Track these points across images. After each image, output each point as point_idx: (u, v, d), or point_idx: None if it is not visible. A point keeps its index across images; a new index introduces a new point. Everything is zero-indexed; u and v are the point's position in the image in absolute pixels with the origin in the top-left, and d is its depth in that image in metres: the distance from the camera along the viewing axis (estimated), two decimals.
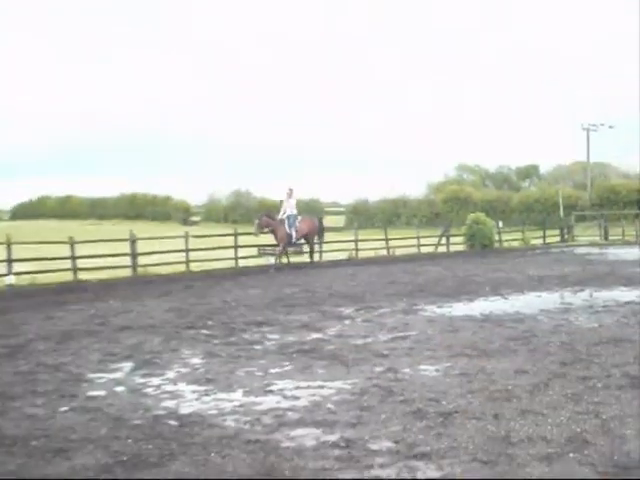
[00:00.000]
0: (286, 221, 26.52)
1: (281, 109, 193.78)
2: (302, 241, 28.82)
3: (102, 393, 8.84)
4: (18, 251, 23.31)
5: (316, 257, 30.19)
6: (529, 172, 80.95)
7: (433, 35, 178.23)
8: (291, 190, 27.67)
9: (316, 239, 28.70)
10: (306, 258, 29.29)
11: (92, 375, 9.91)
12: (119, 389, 9.10)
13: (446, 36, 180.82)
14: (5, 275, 21.42)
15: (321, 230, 28.92)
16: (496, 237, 39.04)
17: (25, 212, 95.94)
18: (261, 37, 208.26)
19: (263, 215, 27.56)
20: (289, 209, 27.09)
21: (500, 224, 40.19)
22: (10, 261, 21.69)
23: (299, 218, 27.26)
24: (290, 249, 29.44)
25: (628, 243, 41.68)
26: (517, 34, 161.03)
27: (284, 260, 27.13)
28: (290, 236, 26.50)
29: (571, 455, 6.11)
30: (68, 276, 23.20)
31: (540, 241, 42.99)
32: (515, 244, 40.73)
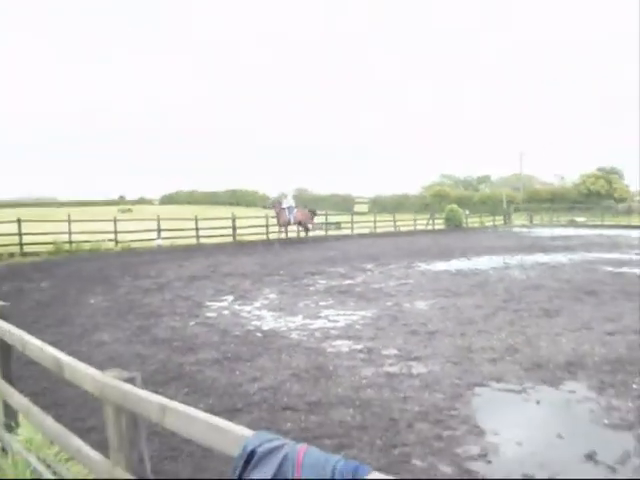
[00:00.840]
0: (287, 210, 32.13)
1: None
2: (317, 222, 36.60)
3: (214, 314, 11.79)
4: (164, 224, 30.67)
5: (348, 231, 39.11)
6: (484, 179, 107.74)
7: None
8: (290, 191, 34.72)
9: (310, 225, 34.20)
10: (333, 232, 38.06)
11: (208, 303, 13.04)
12: (225, 312, 12.04)
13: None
14: (156, 239, 29.39)
15: (311, 218, 34.31)
16: (464, 220, 50.07)
17: (168, 200, 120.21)
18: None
19: (275, 202, 33.77)
20: (287, 202, 32.63)
21: (467, 212, 51.79)
22: (159, 230, 30.02)
23: (295, 210, 32.50)
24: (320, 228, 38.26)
25: (543, 226, 52.28)
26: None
27: (282, 236, 32.37)
28: (288, 221, 32.14)
29: (507, 358, 8.38)
30: (193, 241, 30.73)
31: (491, 224, 54.21)
32: (476, 225, 51.09)
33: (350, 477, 1.74)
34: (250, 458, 1.91)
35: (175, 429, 2.40)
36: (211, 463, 4.96)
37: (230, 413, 6.21)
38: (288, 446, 1.88)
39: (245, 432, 2.02)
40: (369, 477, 1.75)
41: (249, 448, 1.92)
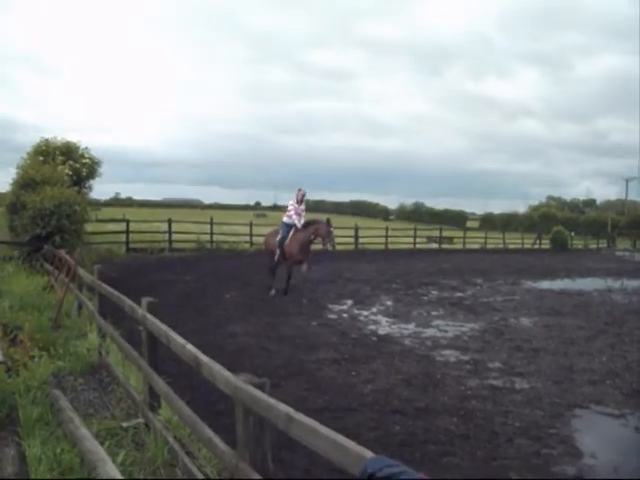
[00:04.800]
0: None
1: None
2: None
3: (335, 317, 11.81)
4: None
5: (460, 246, 38.34)
6: (590, 202, 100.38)
7: None
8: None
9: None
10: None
11: (330, 305, 13.07)
12: (345, 315, 12.06)
13: None
14: None
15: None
16: (569, 242, 46.53)
17: None
18: None
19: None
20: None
21: (572, 234, 48.25)
22: None
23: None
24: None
25: None
26: None
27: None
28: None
29: (608, 382, 7.87)
30: (320, 247, 30.04)
31: (595, 246, 50.76)
32: (580, 247, 48.01)
33: None
34: None
35: (299, 439, 2.41)
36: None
37: (344, 411, 6.23)
38: (407, 474, 1.82)
39: (366, 453, 1.98)
40: None
41: (369, 471, 1.87)
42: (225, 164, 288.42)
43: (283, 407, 2.58)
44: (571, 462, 5.25)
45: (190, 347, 3.79)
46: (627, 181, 75.37)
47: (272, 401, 2.68)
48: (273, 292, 14.02)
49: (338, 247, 30.17)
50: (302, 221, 14.16)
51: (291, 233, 14.01)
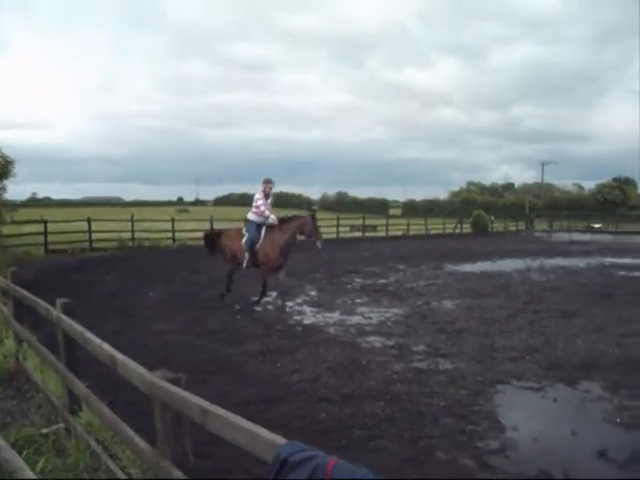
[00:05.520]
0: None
1: None
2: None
3: (260, 309, 11.78)
4: (217, 224, 28.77)
5: (383, 234, 38.00)
6: (509, 187, 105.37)
7: None
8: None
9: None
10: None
11: (255, 298, 12.40)
12: (269, 307, 12.04)
13: None
14: None
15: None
16: (490, 225, 48.55)
17: (222, 201, 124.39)
18: None
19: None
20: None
21: (492, 217, 50.15)
22: (212, 230, 28.27)
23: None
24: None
25: (562, 231, 49.47)
26: None
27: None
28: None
29: (527, 357, 8.19)
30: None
31: (514, 229, 52.35)
32: (500, 230, 49.49)
33: None
34: (283, 466, 1.87)
35: (215, 431, 2.39)
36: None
37: (270, 403, 6.22)
38: (319, 457, 1.83)
39: (279, 440, 1.98)
40: None
41: (282, 456, 1.87)
42: (146, 160, 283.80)
43: (197, 400, 2.56)
44: (495, 436, 5.43)
45: (106, 346, 3.70)
46: (543, 165, 78.93)
47: (187, 395, 2.65)
48: (226, 298, 12.33)
49: None
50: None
51: (263, 233, 11.89)
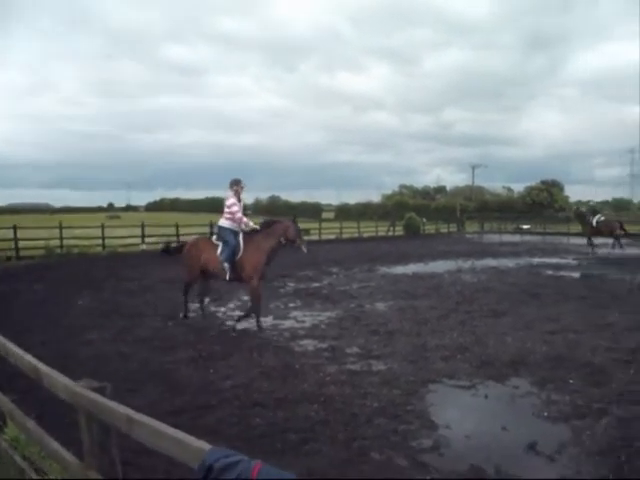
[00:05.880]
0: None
1: None
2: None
3: (193, 315, 11.55)
4: (148, 230, 29.74)
5: (316, 237, 37.29)
6: (440, 189, 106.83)
7: None
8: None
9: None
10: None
11: (187, 304, 12.04)
12: (202, 312, 11.63)
13: None
14: (140, 244, 28.53)
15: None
16: (421, 227, 48.14)
17: (153, 207, 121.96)
18: None
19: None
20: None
21: (424, 220, 50.19)
22: (143, 236, 29.07)
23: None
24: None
25: (492, 233, 51.11)
26: None
27: None
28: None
29: (459, 356, 8.36)
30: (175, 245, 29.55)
31: (446, 231, 52.98)
32: (432, 232, 50.04)
33: None
34: (209, 473, 1.84)
35: (141, 440, 2.34)
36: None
37: (204, 410, 6.14)
38: (244, 462, 1.81)
39: (204, 446, 1.96)
40: None
41: (207, 463, 1.85)
42: (76, 165, 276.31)
43: (123, 409, 2.52)
44: (427, 435, 5.50)
45: (29, 358, 3.59)
46: (474, 168, 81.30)
47: (112, 404, 2.60)
48: (187, 315, 11.36)
49: None
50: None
51: (242, 240, 10.73)
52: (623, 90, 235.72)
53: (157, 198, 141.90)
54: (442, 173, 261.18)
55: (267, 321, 11.16)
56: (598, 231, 27.75)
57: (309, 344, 9.28)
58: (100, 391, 2.81)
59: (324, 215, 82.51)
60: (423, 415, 6.02)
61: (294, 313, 12.01)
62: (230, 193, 10.79)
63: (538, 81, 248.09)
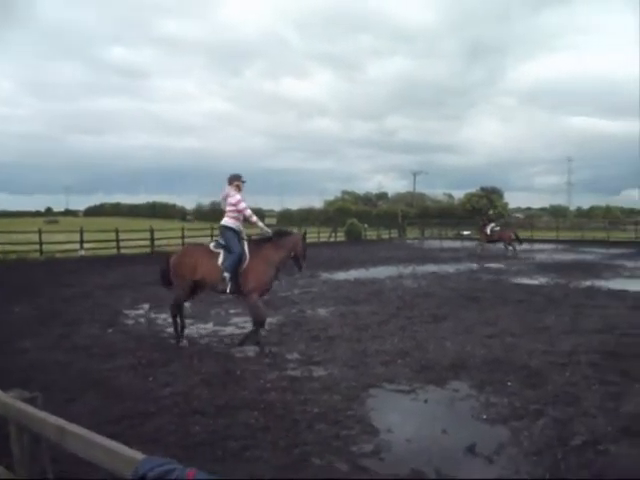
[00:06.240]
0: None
1: None
2: None
3: (132, 322, 11.45)
4: (87, 235, 29.23)
5: None
6: (382, 196, 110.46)
7: None
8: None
9: None
10: None
11: (126, 311, 12.60)
12: (141, 320, 11.71)
13: None
14: (79, 250, 28.07)
15: None
16: (363, 233, 50.82)
17: (93, 211, 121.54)
18: None
19: None
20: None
21: (366, 226, 52.44)
22: (82, 241, 28.59)
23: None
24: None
25: (433, 239, 52.61)
26: None
27: None
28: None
29: (399, 361, 8.42)
30: (114, 251, 29.75)
31: (387, 236, 55.00)
32: (374, 238, 51.47)
33: None
34: None
35: (73, 450, 2.28)
36: None
37: (143, 418, 6.01)
38: (177, 471, 1.78)
39: (137, 456, 1.91)
40: None
41: (140, 472, 1.81)
42: (11, 167, 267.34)
43: (54, 420, 2.46)
44: (368, 440, 5.53)
45: None
46: (415, 175, 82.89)
47: (43, 414, 2.53)
48: (185, 343, 9.79)
49: (133, 251, 29.50)
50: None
51: (247, 248, 9.48)
52: (561, 100, 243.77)
53: (97, 202, 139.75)
54: (384, 180, 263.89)
55: (208, 327, 11.10)
56: (492, 238, 31.64)
57: (250, 350, 9.21)
58: (31, 401, 2.75)
59: (266, 221, 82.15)
60: (364, 420, 6.04)
61: (235, 319, 11.94)
62: (230, 189, 9.68)
63: (479, 90, 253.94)
